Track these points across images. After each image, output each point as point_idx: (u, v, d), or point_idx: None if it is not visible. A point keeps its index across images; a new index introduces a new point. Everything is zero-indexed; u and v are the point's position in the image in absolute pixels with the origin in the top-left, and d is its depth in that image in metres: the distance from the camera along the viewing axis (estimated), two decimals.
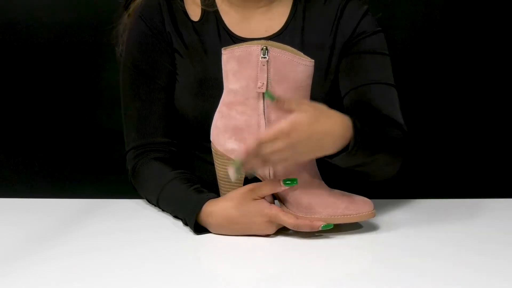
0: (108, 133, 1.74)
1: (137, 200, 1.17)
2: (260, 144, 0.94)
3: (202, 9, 1.25)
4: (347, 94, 1.22)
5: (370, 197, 1.15)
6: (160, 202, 1.15)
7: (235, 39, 1.23)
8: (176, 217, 1.11)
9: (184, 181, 1.11)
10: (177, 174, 1.14)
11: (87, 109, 1.79)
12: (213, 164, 1.08)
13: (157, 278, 0.85)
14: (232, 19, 1.25)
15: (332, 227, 1.00)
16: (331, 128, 0.97)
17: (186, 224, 1.07)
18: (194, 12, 1.26)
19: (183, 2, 1.26)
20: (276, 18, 1.26)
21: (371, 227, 1.05)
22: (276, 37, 1.23)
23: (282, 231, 1.02)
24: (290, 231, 1.02)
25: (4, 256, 0.91)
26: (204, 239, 0.98)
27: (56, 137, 1.79)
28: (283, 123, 0.94)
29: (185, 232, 1.01)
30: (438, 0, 1.77)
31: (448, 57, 1.79)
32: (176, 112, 1.24)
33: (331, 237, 1.00)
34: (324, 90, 1.22)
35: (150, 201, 1.19)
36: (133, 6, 1.28)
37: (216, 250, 0.96)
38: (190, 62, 1.24)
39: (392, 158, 1.11)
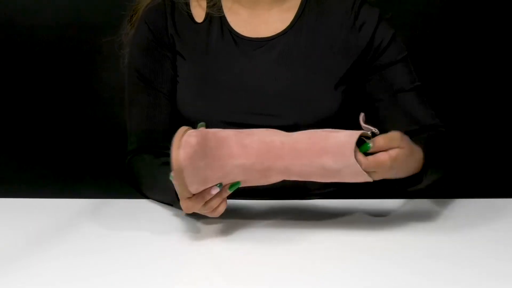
0: (108, 133, 1.74)
1: (138, 200, 1.17)
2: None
3: (206, 12, 1.25)
4: (378, 107, 1.24)
5: (373, 198, 1.15)
6: (152, 189, 1.16)
7: (239, 39, 1.23)
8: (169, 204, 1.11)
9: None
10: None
11: (87, 109, 1.79)
12: None
13: (158, 278, 0.85)
14: (239, 19, 1.25)
15: (240, 184, 0.97)
16: (418, 155, 1.02)
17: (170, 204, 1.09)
18: (199, 14, 1.26)
19: (189, 6, 1.26)
20: (283, 17, 1.25)
21: (371, 228, 1.05)
22: (280, 37, 1.23)
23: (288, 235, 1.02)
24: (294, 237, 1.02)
25: (4, 256, 0.91)
26: (205, 240, 0.98)
27: (56, 137, 1.79)
28: (384, 156, 0.94)
29: (186, 232, 1.01)
30: (438, 0, 1.77)
31: (448, 57, 1.79)
32: (178, 114, 1.24)
33: (329, 237, 1.00)
34: (334, 99, 1.20)
35: (144, 193, 1.19)
36: (135, 18, 1.29)
37: (217, 251, 0.96)
38: (191, 64, 1.24)
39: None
